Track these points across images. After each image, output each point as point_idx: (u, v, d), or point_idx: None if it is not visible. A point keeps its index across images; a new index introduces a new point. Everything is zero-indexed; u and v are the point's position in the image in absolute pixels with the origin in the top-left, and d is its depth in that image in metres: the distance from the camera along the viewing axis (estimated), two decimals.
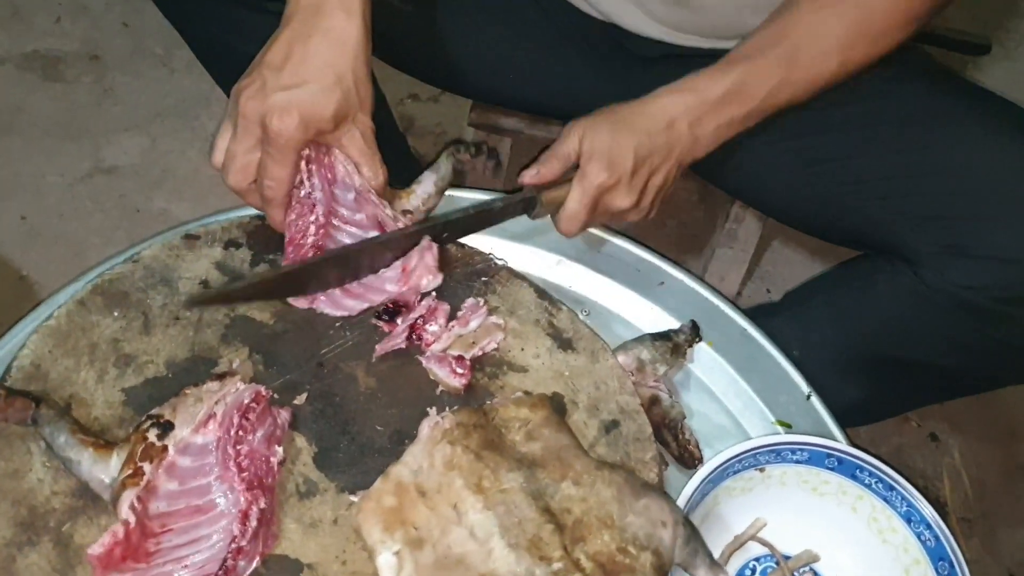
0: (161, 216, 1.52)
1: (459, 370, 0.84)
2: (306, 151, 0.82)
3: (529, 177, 0.90)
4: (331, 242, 0.87)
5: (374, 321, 0.87)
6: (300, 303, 0.87)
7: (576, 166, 0.89)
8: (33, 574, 0.69)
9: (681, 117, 0.87)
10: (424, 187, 0.92)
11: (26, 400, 0.74)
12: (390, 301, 0.87)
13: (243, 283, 0.86)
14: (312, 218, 0.84)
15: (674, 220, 1.58)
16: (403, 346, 0.86)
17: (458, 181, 0.97)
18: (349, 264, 0.87)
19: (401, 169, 0.90)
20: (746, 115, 0.89)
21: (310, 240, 0.85)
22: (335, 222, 0.87)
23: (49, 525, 0.71)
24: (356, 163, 0.84)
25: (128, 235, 1.26)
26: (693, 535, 0.73)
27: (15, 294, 1.36)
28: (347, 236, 0.87)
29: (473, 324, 0.87)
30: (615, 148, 0.86)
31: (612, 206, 0.89)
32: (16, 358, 0.80)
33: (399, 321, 0.87)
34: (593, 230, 0.99)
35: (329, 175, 0.84)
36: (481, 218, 0.92)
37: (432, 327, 0.86)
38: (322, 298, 0.87)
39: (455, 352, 0.86)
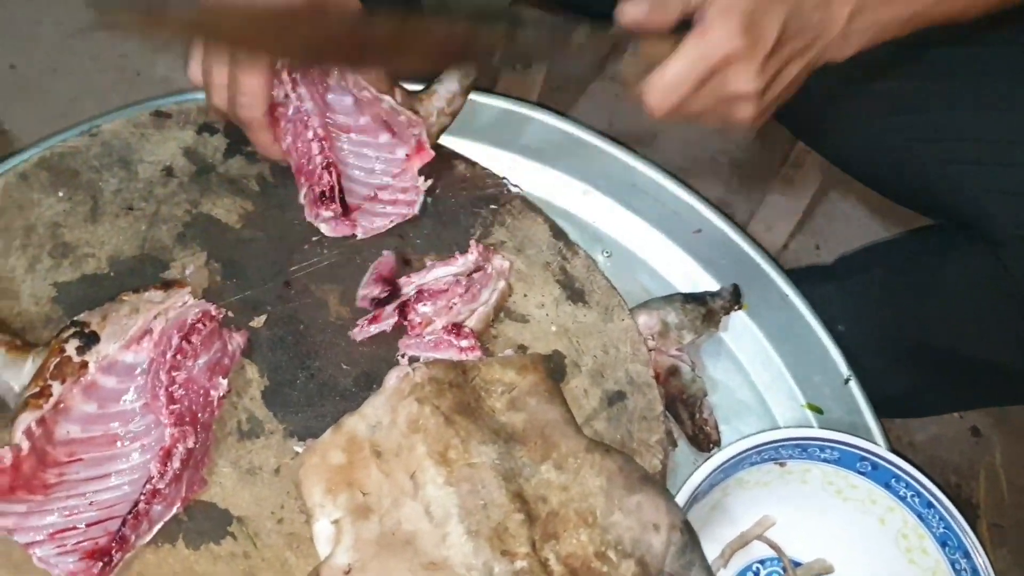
0: (163, 83, 1.40)
1: (464, 344, 0.70)
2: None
3: (630, 15, 0.66)
4: (339, 155, 0.77)
5: (359, 303, 0.74)
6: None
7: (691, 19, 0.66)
8: None
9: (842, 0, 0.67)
10: (447, 86, 0.80)
11: None
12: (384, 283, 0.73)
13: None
14: (310, 135, 0.74)
15: (725, 157, 1.44)
16: (388, 330, 0.73)
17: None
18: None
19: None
20: (910, 17, 0.70)
21: (318, 160, 0.75)
22: (335, 132, 0.77)
23: None
24: None
25: (124, 100, 1.15)
26: (690, 544, 0.62)
27: None
28: (352, 146, 0.78)
29: (484, 297, 0.73)
30: (763, 8, 0.64)
31: (729, 87, 0.66)
32: None
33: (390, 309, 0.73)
34: (626, 157, 0.85)
35: (317, 82, 0.75)
36: (552, 45, 0.68)
37: (424, 307, 0.72)
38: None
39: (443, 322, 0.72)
